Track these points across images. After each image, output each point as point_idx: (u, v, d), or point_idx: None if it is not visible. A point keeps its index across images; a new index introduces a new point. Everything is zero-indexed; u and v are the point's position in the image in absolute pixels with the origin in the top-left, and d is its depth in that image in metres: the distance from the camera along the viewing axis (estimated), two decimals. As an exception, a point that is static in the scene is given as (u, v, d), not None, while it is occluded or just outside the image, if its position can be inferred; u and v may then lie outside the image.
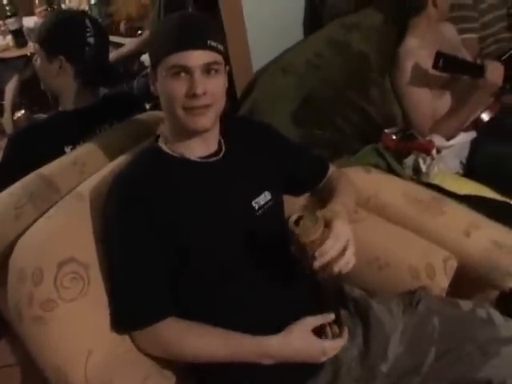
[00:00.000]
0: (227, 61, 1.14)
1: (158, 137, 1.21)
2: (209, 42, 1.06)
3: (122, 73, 2.07)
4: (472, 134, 1.79)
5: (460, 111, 1.77)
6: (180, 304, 1.10)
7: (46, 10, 3.17)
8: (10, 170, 1.37)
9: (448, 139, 1.76)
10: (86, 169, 1.33)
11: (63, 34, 1.46)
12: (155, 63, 1.09)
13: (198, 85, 1.04)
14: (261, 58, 1.80)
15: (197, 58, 1.04)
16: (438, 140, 1.69)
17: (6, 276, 1.10)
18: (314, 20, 1.97)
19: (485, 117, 1.85)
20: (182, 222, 1.09)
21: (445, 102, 1.84)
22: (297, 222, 0.98)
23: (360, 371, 1.12)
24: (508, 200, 1.58)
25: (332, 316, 1.09)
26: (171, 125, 1.15)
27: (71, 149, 1.43)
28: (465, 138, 1.77)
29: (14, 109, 2.35)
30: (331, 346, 1.07)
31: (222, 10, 1.55)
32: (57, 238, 1.11)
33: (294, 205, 1.35)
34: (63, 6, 3.22)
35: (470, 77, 1.70)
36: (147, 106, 1.83)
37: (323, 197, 1.30)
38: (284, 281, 1.13)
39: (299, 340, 1.06)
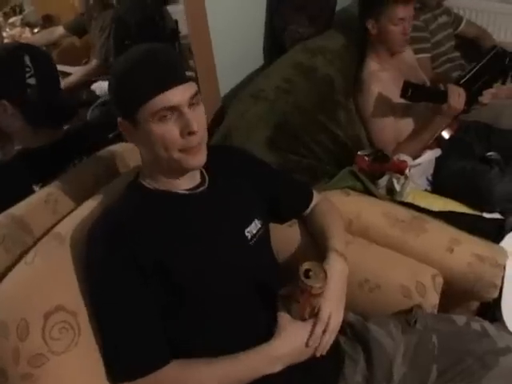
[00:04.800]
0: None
1: (138, 174, 1.15)
2: (185, 72, 1.01)
3: (75, 105, 1.93)
4: (437, 152, 1.84)
5: (422, 134, 1.83)
6: (173, 342, 1.03)
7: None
8: None
9: (414, 158, 1.80)
10: (60, 207, 1.24)
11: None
12: (130, 112, 0.99)
13: (192, 121, 0.97)
14: (226, 84, 1.78)
15: (181, 93, 0.97)
16: (406, 159, 1.72)
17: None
18: (275, 44, 1.98)
19: (445, 135, 1.92)
20: (174, 259, 1.03)
21: (407, 123, 1.90)
22: (306, 273, 0.97)
23: None
24: (478, 213, 1.63)
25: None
26: (160, 166, 1.06)
27: (40, 187, 1.33)
28: (431, 156, 1.82)
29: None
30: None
31: (190, 35, 1.52)
32: (40, 285, 1.01)
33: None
34: (4, 34, 3.05)
35: (434, 103, 1.76)
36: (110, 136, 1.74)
37: (314, 233, 1.30)
38: (274, 308, 1.09)
39: (293, 328, 1.04)
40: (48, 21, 3.18)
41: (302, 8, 2.00)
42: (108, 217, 1.07)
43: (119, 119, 1.04)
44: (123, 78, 0.99)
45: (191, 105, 0.99)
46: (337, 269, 1.13)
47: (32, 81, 1.34)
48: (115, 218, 1.05)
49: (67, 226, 1.13)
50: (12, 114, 1.36)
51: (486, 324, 1.20)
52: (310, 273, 0.98)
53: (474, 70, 1.79)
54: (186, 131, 0.98)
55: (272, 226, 1.28)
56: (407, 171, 1.61)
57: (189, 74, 1.04)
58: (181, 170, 1.07)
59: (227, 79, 1.79)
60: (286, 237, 1.35)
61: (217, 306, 1.07)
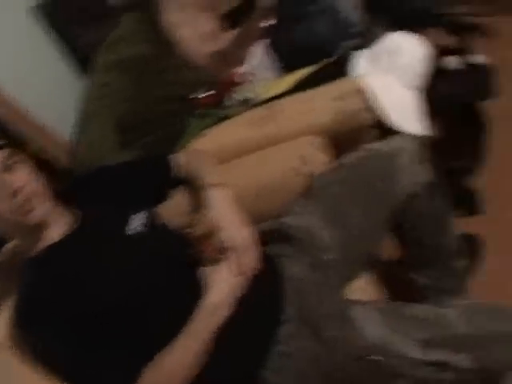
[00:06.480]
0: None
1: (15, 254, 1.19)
2: None
3: None
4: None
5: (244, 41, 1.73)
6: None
7: None
8: None
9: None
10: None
11: None
12: None
13: (9, 183, 1.04)
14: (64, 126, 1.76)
15: None
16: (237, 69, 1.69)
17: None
18: (82, 63, 1.95)
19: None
20: (86, 300, 1.03)
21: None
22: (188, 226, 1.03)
23: (316, 278, 1.16)
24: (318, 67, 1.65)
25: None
26: (21, 231, 1.12)
27: None
28: (263, 45, 1.78)
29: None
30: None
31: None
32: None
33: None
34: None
35: None
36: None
37: (191, 184, 1.28)
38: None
39: (216, 272, 1.06)
40: None
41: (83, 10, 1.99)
42: (15, 306, 1.07)
43: None
44: None
45: (7, 169, 1.06)
46: (216, 197, 1.14)
47: None
48: (23, 304, 1.06)
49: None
50: None
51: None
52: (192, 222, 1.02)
53: None
54: (8, 193, 1.04)
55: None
56: (244, 76, 1.60)
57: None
58: (34, 227, 1.10)
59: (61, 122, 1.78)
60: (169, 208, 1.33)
61: (156, 309, 1.07)
